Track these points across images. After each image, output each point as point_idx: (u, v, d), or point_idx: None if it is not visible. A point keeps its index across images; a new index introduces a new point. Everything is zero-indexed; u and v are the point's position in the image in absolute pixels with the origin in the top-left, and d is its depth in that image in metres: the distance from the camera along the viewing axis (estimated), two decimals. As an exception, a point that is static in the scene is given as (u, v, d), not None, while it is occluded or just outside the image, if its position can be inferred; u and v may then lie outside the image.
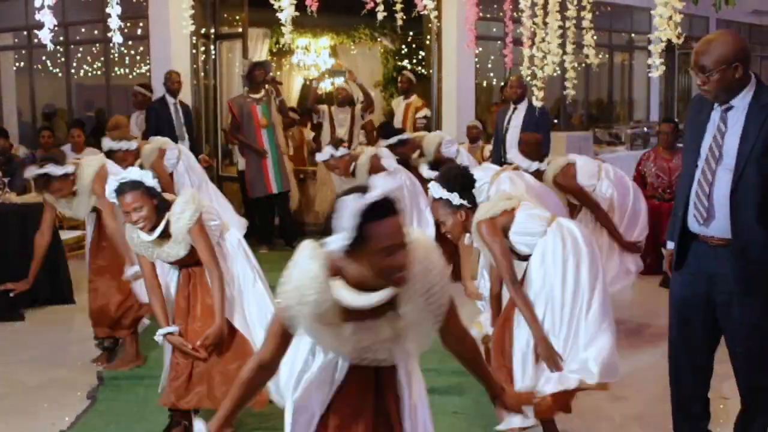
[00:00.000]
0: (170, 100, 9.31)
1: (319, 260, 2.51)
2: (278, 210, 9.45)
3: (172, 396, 4.41)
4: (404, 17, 7.48)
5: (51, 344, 6.47)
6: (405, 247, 2.45)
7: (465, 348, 2.87)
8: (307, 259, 2.54)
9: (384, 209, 2.39)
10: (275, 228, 9.35)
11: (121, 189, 4.15)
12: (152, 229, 4.24)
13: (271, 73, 9.57)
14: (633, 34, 15.00)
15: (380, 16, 6.89)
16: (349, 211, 2.36)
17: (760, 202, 3.60)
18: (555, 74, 6.80)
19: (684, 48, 16.34)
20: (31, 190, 8.93)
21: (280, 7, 5.20)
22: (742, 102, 3.65)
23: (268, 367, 2.72)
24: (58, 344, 6.44)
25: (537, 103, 6.79)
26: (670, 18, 4.23)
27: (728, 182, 3.65)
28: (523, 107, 8.52)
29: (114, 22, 4.06)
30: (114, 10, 4.05)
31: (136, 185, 4.14)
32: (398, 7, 7.14)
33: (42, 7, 3.79)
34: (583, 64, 6.66)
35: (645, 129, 12.27)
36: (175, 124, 8.97)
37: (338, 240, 2.39)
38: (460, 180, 4.23)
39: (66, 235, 8.08)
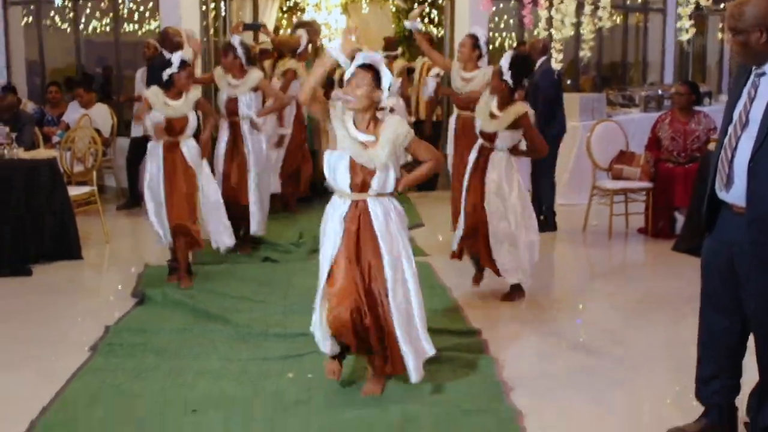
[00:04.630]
0: (168, 55, 9.16)
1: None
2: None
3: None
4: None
5: (57, 299, 6.44)
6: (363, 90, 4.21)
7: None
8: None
9: (365, 65, 4.23)
10: None
11: None
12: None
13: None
14: (649, -5, 14.76)
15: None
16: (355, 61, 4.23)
17: None
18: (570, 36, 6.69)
19: (698, 11, 16.12)
20: (39, 145, 8.88)
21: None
22: None
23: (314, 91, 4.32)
24: (65, 299, 6.41)
25: (557, 66, 6.61)
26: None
27: (749, 150, 3.55)
28: (540, 69, 8.44)
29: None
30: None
31: None
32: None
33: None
34: (597, 26, 6.52)
35: (659, 91, 12.05)
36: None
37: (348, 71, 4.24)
38: None
39: (74, 191, 8.00)
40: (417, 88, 10.54)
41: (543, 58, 8.56)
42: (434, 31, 13.08)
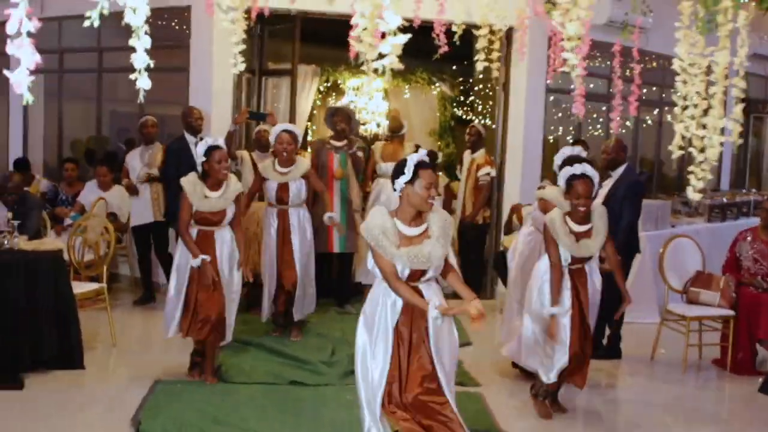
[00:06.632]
0: (191, 138, 8.25)
1: (384, 210, 4.41)
2: (338, 270, 8.77)
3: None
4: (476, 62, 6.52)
5: (47, 423, 5.49)
6: (435, 187, 4.35)
7: (447, 269, 4.52)
8: (377, 211, 4.41)
9: (427, 164, 4.34)
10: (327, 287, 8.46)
11: None
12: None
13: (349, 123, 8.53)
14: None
15: (479, 66, 6.02)
16: (410, 162, 4.28)
17: None
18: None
19: (759, 112, 15.26)
20: (46, 233, 8.00)
21: (380, 54, 4.04)
22: None
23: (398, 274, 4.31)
24: (54, 425, 5.45)
25: (695, 196, 4.91)
26: None
27: None
28: (617, 175, 7.30)
29: (140, 60, 2.89)
30: (141, 42, 2.83)
31: None
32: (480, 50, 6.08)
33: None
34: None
35: (724, 200, 11.10)
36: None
37: (403, 178, 4.29)
38: None
39: (81, 287, 7.10)
40: (466, 183, 9.62)
41: (624, 166, 7.40)
42: (476, 121, 12.20)
